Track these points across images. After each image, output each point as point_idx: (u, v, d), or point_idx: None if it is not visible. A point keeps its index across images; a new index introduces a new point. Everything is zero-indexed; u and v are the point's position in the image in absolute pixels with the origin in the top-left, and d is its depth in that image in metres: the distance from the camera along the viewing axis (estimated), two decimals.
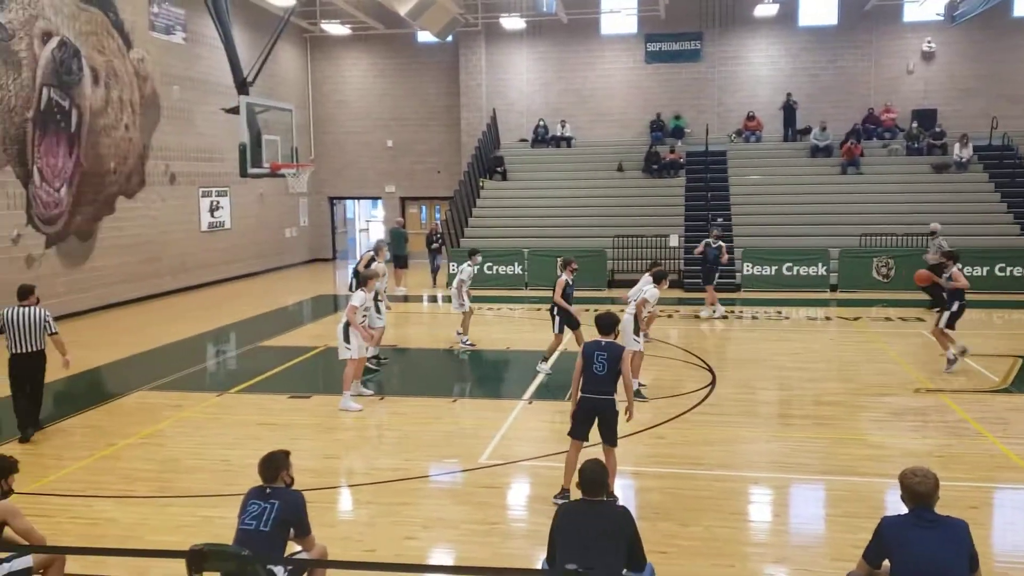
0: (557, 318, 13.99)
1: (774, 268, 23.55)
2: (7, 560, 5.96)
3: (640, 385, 12.48)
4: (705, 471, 9.47)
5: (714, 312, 19.38)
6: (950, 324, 13.97)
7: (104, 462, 10.06)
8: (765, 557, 7.49)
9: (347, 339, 12.09)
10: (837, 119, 29.40)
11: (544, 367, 14.04)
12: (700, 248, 20.39)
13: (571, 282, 14.03)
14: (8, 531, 5.98)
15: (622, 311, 12.08)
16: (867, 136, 29.14)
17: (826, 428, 11.11)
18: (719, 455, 10.05)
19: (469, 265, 16.73)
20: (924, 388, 12.88)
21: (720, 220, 26.07)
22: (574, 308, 13.98)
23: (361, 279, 12.67)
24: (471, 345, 16.30)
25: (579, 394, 8.48)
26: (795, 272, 23.39)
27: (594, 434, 8.47)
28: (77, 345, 16.88)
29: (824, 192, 27.04)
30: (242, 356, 16.56)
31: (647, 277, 13.70)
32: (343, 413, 11.92)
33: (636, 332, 12.37)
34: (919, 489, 5.09)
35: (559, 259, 14.86)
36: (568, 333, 14.19)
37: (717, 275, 20.26)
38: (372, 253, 15.92)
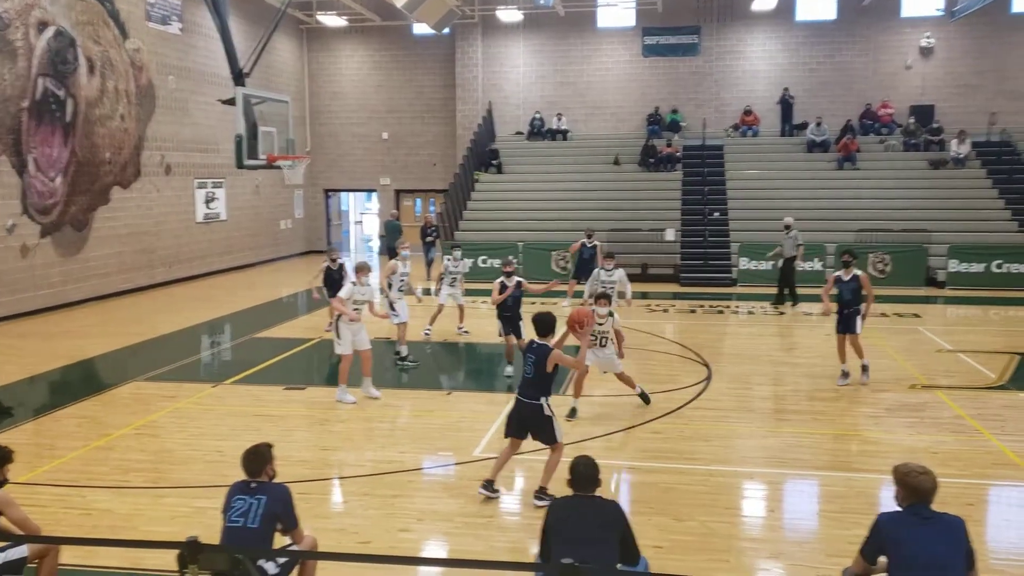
0: (499, 320, 13.78)
1: (770, 263, 23.52)
2: (1, 550, 5.94)
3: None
4: (700, 466, 9.47)
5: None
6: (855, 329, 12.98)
7: (98, 452, 10.03)
8: (760, 552, 7.48)
9: (338, 334, 12.04)
10: (834, 114, 29.40)
11: (509, 370, 13.57)
12: (576, 246, 20.75)
13: (508, 283, 13.56)
14: (3, 520, 5.96)
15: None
16: (864, 132, 29.13)
17: (821, 424, 11.12)
18: (714, 450, 10.05)
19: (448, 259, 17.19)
20: (920, 384, 12.90)
21: (716, 214, 26.10)
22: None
23: (355, 268, 12.52)
24: (428, 334, 16.54)
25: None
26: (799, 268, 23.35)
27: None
28: (72, 335, 16.93)
29: (821, 187, 27.04)
30: (237, 347, 16.53)
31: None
32: (338, 404, 11.90)
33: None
34: (924, 485, 5.06)
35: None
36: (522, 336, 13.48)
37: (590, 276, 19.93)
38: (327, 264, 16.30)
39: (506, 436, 8.60)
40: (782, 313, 19.43)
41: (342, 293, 12.23)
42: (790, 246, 20.14)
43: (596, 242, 20.59)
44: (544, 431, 8.33)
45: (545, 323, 8.51)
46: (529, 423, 8.37)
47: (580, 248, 20.50)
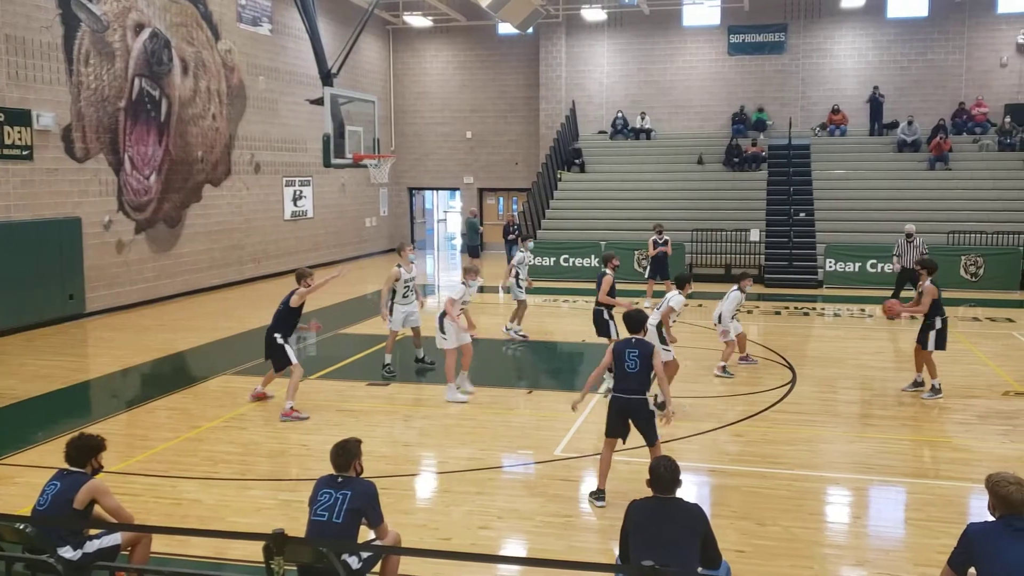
0: (610, 321, 12.92)
1: (857, 265, 23.05)
2: (97, 537, 6.16)
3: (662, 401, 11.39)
4: (784, 470, 9.32)
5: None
6: (940, 345, 12.19)
7: (188, 444, 10.32)
8: (844, 559, 7.34)
9: (442, 328, 12.04)
10: (926, 113, 28.60)
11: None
12: (652, 250, 20.50)
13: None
14: (98, 509, 6.19)
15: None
16: (957, 131, 28.27)
17: (910, 430, 10.85)
18: (799, 454, 9.89)
19: (520, 251, 17.01)
20: (1013, 391, 12.47)
21: (802, 215, 25.65)
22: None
23: (463, 271, 12.59)
24: (524, 336, 16.40)
25: (609, 393, 8.42)
26: (879, 269, 22.84)
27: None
28: (164, 329, 17.44)
29: (911, 188, 26.37)
30: (322, 343, 16.82)
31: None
32: (420, 401, 12.02)
33: (662, 342, 11.24)
34: (1017, 497, 4.88)
35: (604, 255, 14.00)
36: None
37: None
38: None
39: (608, 436, 8.47)
40: (870, 316, 18.99)
41: (454, 294, 12.11)
42: (916, 255, 18.64)
43: (667, 237, 20.61)
44: (649, 425, 8.36)
45: (638, 320, 8.69)
46: (636, 417, 8.36)
47: (653, 245, 20.43)
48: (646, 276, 21.27)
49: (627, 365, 8.34)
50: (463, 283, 12.37)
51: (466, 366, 12.43)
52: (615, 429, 8.45)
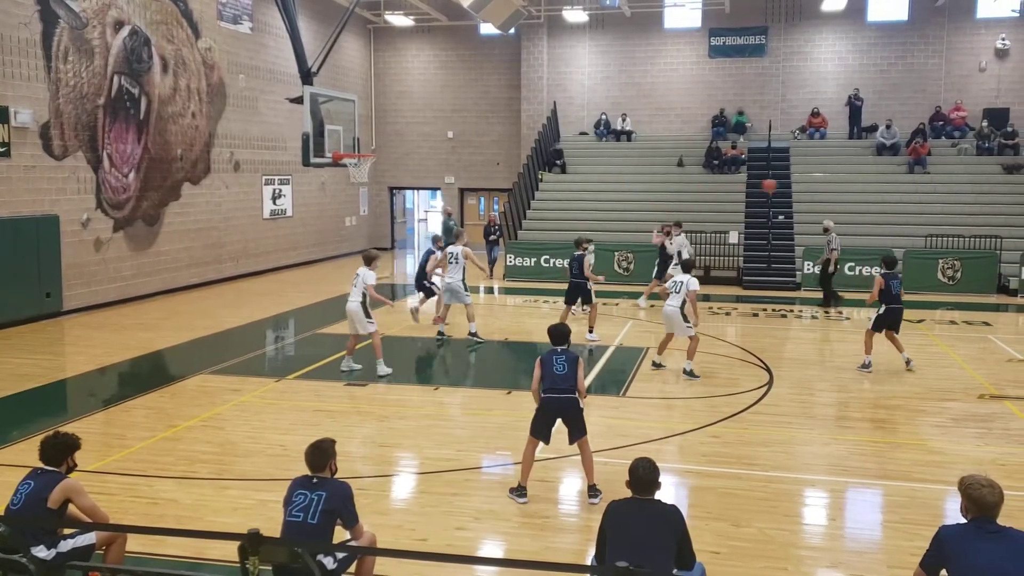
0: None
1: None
2: (71, 536, 6.13)
3: (692, 369, 13.51)
4: (760, 472, 9.38)
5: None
6: (874, 326, 14.19)
7: (165, 443, 10.27)
8: (819, 561, 7.39)
9: (368, 315, 13.23)
10: (905, 117, 28.80)
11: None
12: (659, 242, 21.11)
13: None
14: (72, 508, 6.15)
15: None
16: (936, 135, 28.49)
17: (885, 432, 10.94)
18: (775, 456, 9.94)
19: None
20: (988, 394, 12.60)
21: (781, 217, 25.79)
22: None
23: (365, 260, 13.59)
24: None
25: (540, 395, 8.57)
26: (857, 272, 23.00)
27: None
28: (142, 328, 17.35)
29: (889, 191, 26.54)
30: (300, 343, 16.79)
31: (677, 269, 14.26)
32: (399, 402, 12.03)
33: (685, 320, 13.33)
34: (989, 499, 4.90)
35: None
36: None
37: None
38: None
39: (533, 435, 8.62)
40: (847, 318, 19.12)
41: (370, 280, 13.18)
42: (825, 250, 20.57)
43: (673, 235, 20.72)
44: (579, 421, 8.53)
45: (563, 334, 8.91)
46: (566, 415, 8.52)
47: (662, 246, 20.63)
48: (653, 276, 21.32)
49: (555, 368, 8.54)
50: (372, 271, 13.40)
51: (352, 350, 13.71)
52: (541, 429, 8.61)
